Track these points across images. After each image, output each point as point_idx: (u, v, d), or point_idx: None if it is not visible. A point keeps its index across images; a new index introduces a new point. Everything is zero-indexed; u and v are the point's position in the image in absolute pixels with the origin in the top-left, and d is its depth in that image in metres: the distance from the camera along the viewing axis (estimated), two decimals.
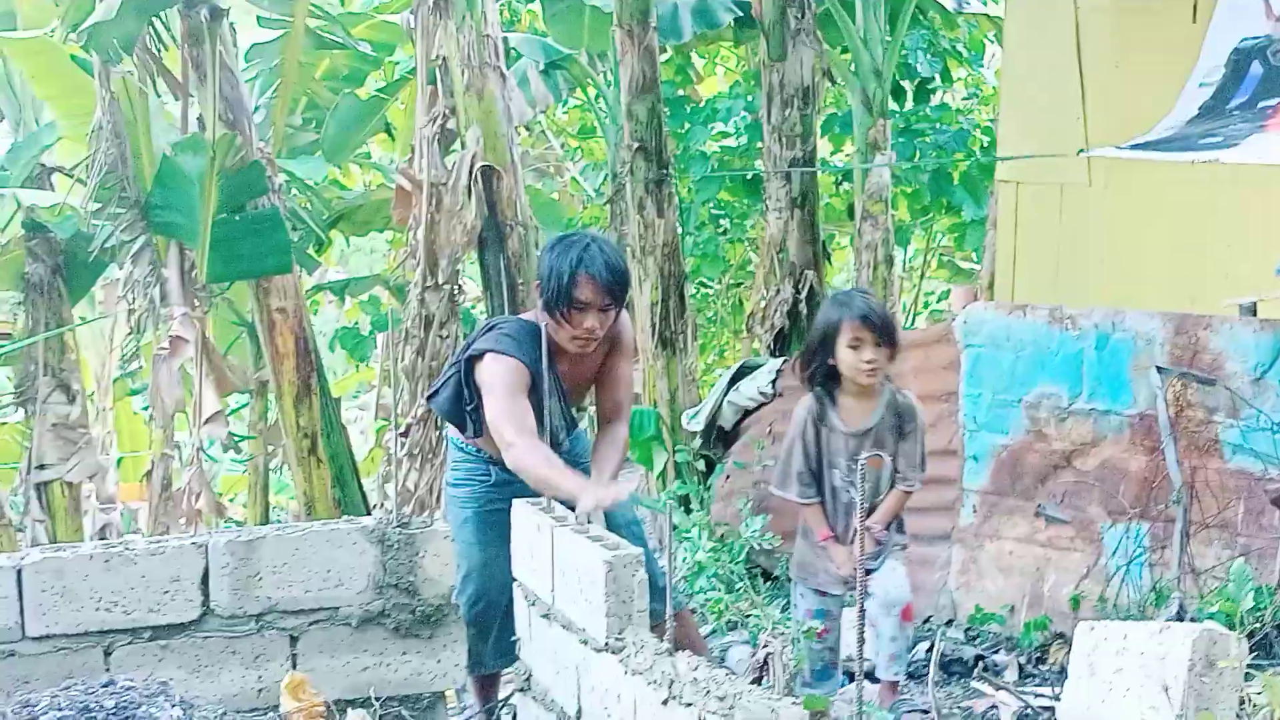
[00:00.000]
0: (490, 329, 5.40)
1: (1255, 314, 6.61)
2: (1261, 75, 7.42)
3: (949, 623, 6.90)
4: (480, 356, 5.24)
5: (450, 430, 5.58)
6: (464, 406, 5.33)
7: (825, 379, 5.54)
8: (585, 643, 4.51)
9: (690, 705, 3.88)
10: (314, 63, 13.79)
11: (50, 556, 4.98)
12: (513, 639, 5.13)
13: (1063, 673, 5.56)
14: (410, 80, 12.85)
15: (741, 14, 12.89)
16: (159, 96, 12.52)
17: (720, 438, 9.10)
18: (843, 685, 5.65)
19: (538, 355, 5.11)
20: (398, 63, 14.95)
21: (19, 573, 4.90)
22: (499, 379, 5.17)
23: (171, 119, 12.72)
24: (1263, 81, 7.37)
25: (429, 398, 5.60)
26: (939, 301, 17.34)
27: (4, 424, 15.27)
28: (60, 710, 4.15)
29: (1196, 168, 7.37)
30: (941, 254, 17.46)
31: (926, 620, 6.99)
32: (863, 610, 3.81)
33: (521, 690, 5.26)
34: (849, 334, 5.42)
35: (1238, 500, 6.19)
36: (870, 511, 5.47)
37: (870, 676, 5.34)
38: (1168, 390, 6.39)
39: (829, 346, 5.48)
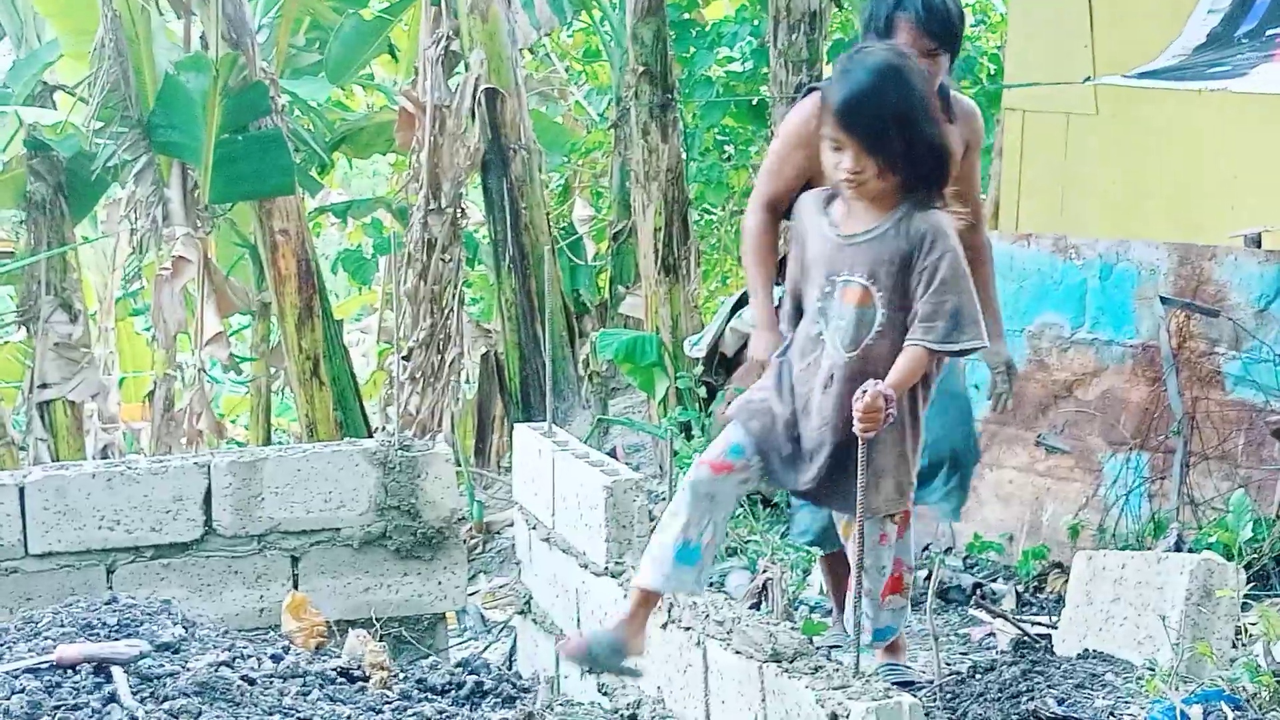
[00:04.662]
0: None
1: (1260, 245, 6.60)
2: (1270, 3, 7.35)
3: (948, 551, 6.92)
4: None
5: None
6: None
7: None
8: (585, 567, 4.54)
9: (689, 629, 3.91)
10: None
11: (53, 475, 5.01)
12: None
13: (1060, 601, 5.59)
14: (414, 1, 12.76)
15: None
16: (161, 15, 12.44)
17: (722, 364, 9.10)
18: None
19: None
20: None
21: (21, 491, 4.92)
22: (786, 124, 4.81)
23: (174, 37, 12.64)
24: (1271, 9, 7.31)
25: None
26: None
27: (6, 343, 15.27)
28: (63, 627, 4.18)
29: (1203, 97, 7.32)
30: None
31: (926, 548, 7.02)
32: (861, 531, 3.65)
33: (521, 614, 5.29)
34: (827, 129, 3.79)
35: (1238, 432, 6.20)
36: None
37: None
38: (1170, 321, 6.38)
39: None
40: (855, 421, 3.54)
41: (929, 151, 3.75)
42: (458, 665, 4.71)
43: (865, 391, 3.53)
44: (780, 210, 4.65)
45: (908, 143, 3.70)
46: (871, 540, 3.93)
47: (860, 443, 3.49)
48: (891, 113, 3.68)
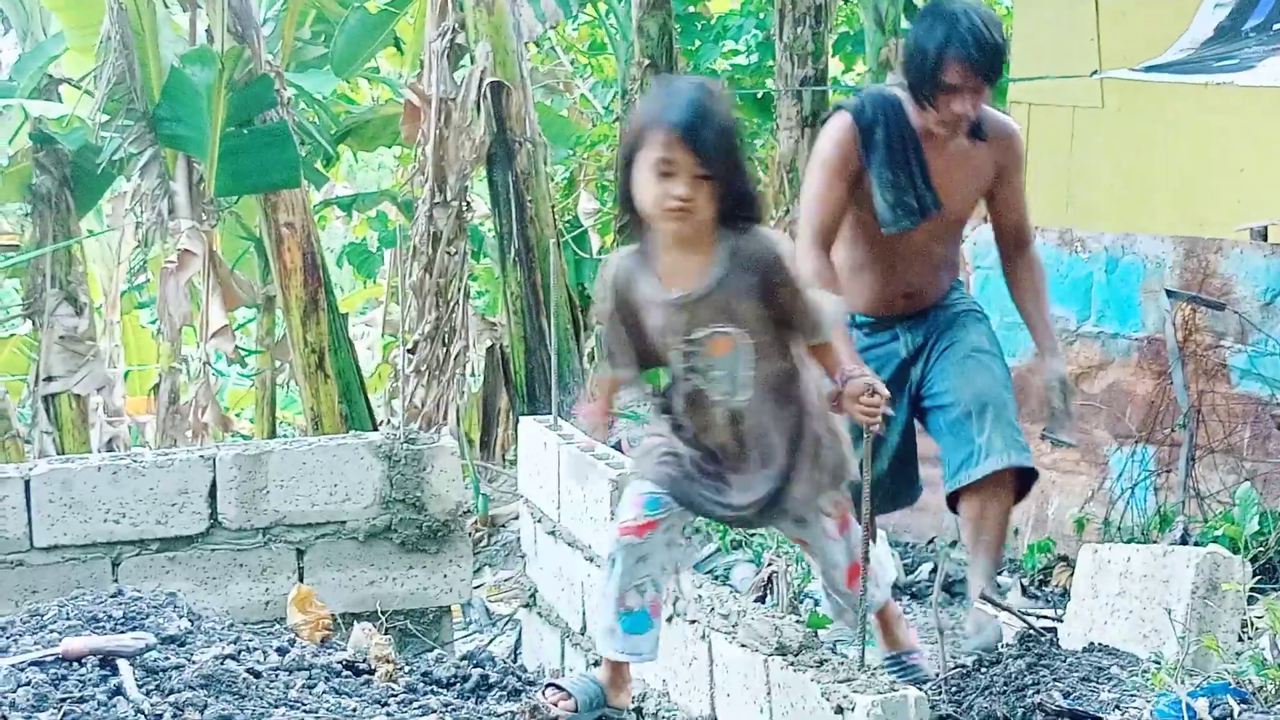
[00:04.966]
0: None
1: (1266, 239, 6.60)
2: None
3: (953, 544, 6.92)
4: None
5: None
6: None
7: (637, 223, 3.63)
8: (590, 560, 4.53)
9: (695, 622, 3.91)
10: None
11: (58, 468, 5.01)
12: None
13: (1065, 595, 5.59)
14: None
15: None
16: (166, 8, 12.45)
17: None
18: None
19: (893, 126, 4.58)
20: None
21: (27, 484, 4.93)
22: (822, 154, 4.63)
23: (179, 31, 12.65)
24: (1279, 3, 7.30)
25: None
26: None
27: (11, 336, 15.29)
28: (69, 620, 4.18)
29: (1210, 90, 7.32)
30: None
31: (930, 541, 7.01)
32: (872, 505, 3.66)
33: (526, 607, 5.29)
34: (653, 151, 3.46)
35: (1244, 425, 6.20)
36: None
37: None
38: (1176, 314, 6.38)
39: (630, 168, 3.54)
40: (865, 421, 3.51)
41: (750, 183, 3.60)
42: (463, 658, 4.71)
43: (871, 390, 3.51)
44: (830, 243, 4.58)
45: (737, 168, 3.52)
46: (821, 541, 3.85)
47: (865, 439, 3.50)
48: (724, 133, 3.50)
